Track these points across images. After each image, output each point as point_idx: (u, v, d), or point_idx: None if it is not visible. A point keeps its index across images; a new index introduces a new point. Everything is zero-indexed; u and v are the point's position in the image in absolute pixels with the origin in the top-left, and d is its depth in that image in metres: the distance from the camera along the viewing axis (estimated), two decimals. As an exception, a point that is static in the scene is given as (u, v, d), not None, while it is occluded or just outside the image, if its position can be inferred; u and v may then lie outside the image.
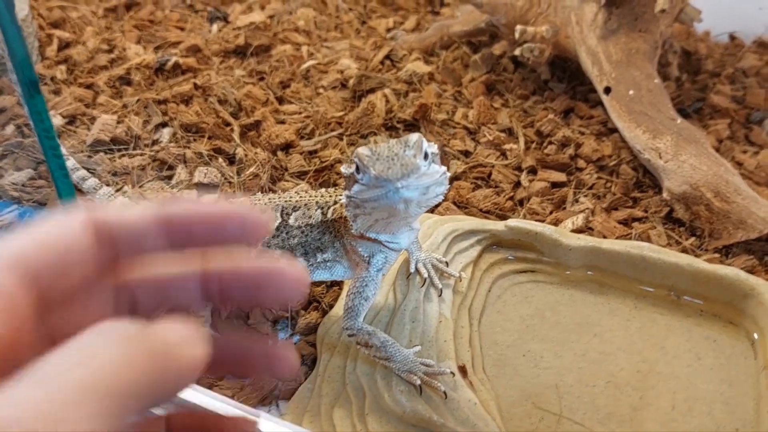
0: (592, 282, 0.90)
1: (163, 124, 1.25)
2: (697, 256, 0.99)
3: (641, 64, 1.17)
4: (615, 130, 1.25)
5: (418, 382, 0.71)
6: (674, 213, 1.05)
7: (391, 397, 0.73)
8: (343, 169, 0.68)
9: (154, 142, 1.21)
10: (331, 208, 0.75)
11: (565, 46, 1.28)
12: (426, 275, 0.84)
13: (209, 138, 1.22)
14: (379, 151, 0.62)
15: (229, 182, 1.14)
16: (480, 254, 0.91)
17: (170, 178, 1.14)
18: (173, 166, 1.16)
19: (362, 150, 0.62)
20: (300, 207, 0.77)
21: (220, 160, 1.18)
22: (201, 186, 1.12)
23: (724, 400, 0.76)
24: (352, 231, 0.73)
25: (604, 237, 1.02)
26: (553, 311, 0.87)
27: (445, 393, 0.71)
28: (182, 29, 1.53)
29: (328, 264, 0.78)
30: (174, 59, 1.38)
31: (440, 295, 0.82)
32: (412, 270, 0.85)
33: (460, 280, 0.85)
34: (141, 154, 1.18)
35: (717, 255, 0.97)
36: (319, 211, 0.76)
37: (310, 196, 0.78)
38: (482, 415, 0.71)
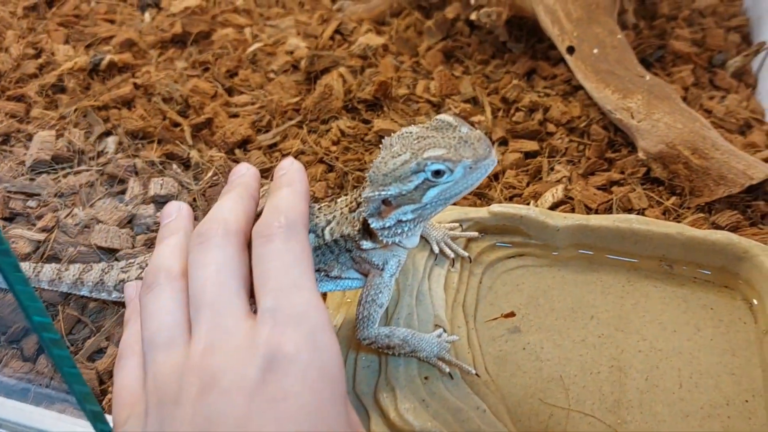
0: (582, 260, 0.88)
1: (107, 133, 1.16)
2: (679, 215, 0.97)
3: (603, 19, 1.13)
4: (580, 87, 1.21)
5: (447, 369, 0.72)
6: (652, 173, 1.03)
7: (398, 414, 0.69)
8: (389, 191, 0.63)
9: (100, 155, 1.13)
10: (327, 229, 0.70)
11: (522, 6, 1.23)
12: (450, 253, 0.84)
13: (159, 143, 1.14)
14: (444, 143, 0.62)
15: (188, 190, 1.07)
16: (466, 244, 0.87)
17: (123, 192, 1.07)
18: (124, 179, 1.08)
19: (432, 152, 0.61)
20: (329, 219, 0.71)
21: (174, 166, 1.11)
22: (158, 199, 1.05)
23: (730, 371, 0.75)
24: (365, 245, 0.68)
25: (586, 206, 1.00)
26: (546, 297, 0.84)
27: (477, 374, 0.73)
28: (112, 22, 1.41)
29: (332, 278, 0.73)
30: (108, 57, 1.28)
31: (470, 262, 0.85)
32: (437, 251, 0.84)
33: (480, 237, 0.88)
34: (87, 170, 1.10)
35: (701, 214, 0.95)
36: (311, 235, 0.71)
37: (335, 206, 0.72)
38: (493, 422, 0.68)
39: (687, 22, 1.36)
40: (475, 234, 0.86)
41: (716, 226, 0.94)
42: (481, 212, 0.88)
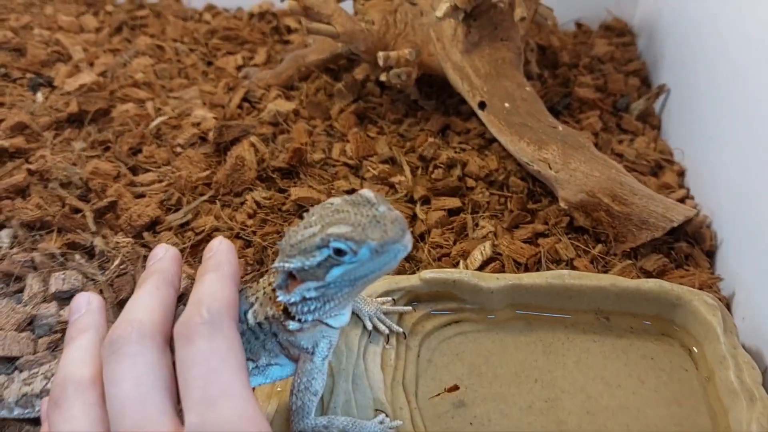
0: (520, 320, 0.85)
1: (0, 227, 1.06)
2: (607, 263, 0.97)
3: (510, 73, 1.14)
4: (494, 140, 1.21)
5: None
6: (575, 222, 1.03)
7: None
8: (292, 263, 0.59)
9: (-8, 250, 1.02)
10: (250, 312, 0.64)
11: (430, 64, 1.23)
12: (384, 329, 0.80)
13: (59, 232, 1.05)
14: (353, 220, 0.56)
15: (93, 281, 0.99)
16: (400, 316, 0.83)
17: (21, 291, 0.97)
18: (21, 276, 0.98)
19: (336, 229, 0.56)
20: (252, 302, 0.64)
21: (77, 257, 1.02)
22: (60, 295, 0.95)
23: (678, 422, 0.74)
24: (291, 326, 0.62)
25: (515, 261, 0.98)
26: (488, 364, 0.81)
27: None
28: (1, 104, 1.31)
29: (261, 369, 0.67)
30: (-3, 143, 1.18)
31: (405, 338, 0.81)
32: (369, 327, 0.79)
33: (414, 311, 0.84)
34: (-23, 269, 0.99)
35: (629, 261, 0.95)
36: None
37: (259, 286, 0.66)
38: None
39: (588, 69, 1.41)
40: (408, 309, 0.83)
41: (644, 272, 0.94)
42: (412, 280, 0.85)
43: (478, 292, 0.83)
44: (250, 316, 0.64)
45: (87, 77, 1.35)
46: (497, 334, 0.84)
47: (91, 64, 1.43)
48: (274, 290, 0.63)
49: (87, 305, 0.59)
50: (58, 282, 0.96)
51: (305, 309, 0.61)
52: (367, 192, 0.60)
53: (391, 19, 1.22)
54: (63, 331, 0.94)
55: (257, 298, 0.64)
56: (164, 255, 0.60)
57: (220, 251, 0.59)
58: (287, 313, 0.63)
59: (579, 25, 1.57)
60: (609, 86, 1.34)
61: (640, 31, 1.50)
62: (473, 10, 1.13)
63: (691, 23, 1.23)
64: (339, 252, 0.56)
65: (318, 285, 0.59)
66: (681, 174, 1.14)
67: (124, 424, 0.48)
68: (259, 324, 0.64)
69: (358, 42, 1.19)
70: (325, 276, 0.58)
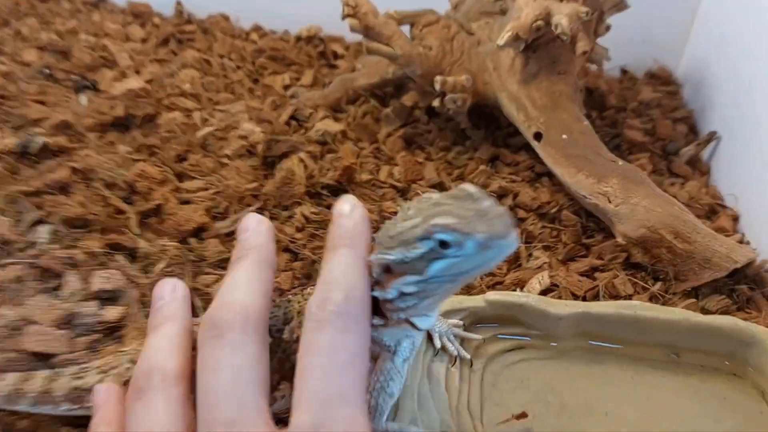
0: (585, 351, 0.82)
1: (40, 221, 1.03)
2: (666, 301, 0.94)
3: (567, 106, 1.14)
4: (544, 174, 1.20)
5: None
6: (632, 258, 1.01)
7: None
8: (391, 255, 0.55)
9: (31, 245, 0.99)
10: None
11: (484, 93, 1.22)
12: (453, 350, 0.76)
13: (102, 232, 1.02)
14: (458, 213, 0.53)
15: (136, 284, 0.95)
16: (462, 340, 0.80)
17: (59, 288, 0.93)
18: (60, 273, 0.95)
19: (441, 220, 0.52)
20: (292, 315, 0.61)
21: (120, 257, 0.98)
22: (102, 294, 0.92)
23: (758, 467, 0.70)
24: (374, 320, 0.58)
25: (572, 293, 0.96)
26: (555, 393, 0.77)
27: None
28: (43, 103, 1.30)
29: None
30: (41, 140, 1.16)
31: (471, 366, 0.77)
32: (438, 346, 0.76)
33: (483, 342, 0.80)
34: (15, 263, 0.95)
35: (692, 299, 0.93)
36: None
37: (301, 300, 0.63)
38: None
39: (635, 113, 1.40)
40: (478, 338, 0.79)
41: (707, 312, 0.91)
42: (476, 301, 0.82)
43: (546, 318, 0.80)
44: None
45: (135, 83, 1.34)
46: (562, 363, 0.81)
47: (138, 72, 1.42)
48: None
49: (172, 293, 0.55)
50: (101, 281, 0.93)
51: (401, 305, 0.58)
52: (468, 186, 0.58)
53: (448, 46, 1.22)
54: (102, 331, 0.90)
55: None
56: (257, 227, 0.56)
57: (355, 219, 0.54)
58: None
59: (624, 72, 1.57)
60: (658, 131, 1.34)
61: (685, 80, 1.50)
62: (533, 42, 1.13)
63: (740, 74, 1.24)
64: (443, 244, 0.53)
65: (418, 279, 0.56)
66: (735, 219, 1.12)
67: (217, 418, 0.44)
68: None
69: (415, 66, 1.18)
70: (425, 270, 0.55)
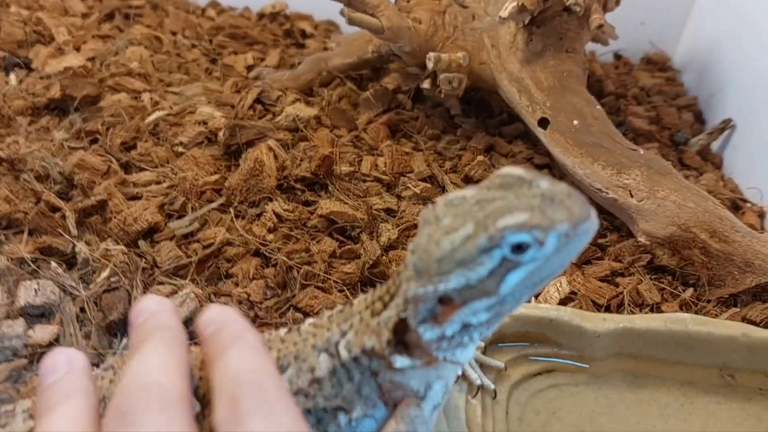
0: (624, 373, 0.68)
1: (-46, 221, 0.84)
2: (700, 309, 0.82)
3: (577, 88, 1.00)
4: (544, 165, 1.07)
5: None
6: (656, 260, 0.88)
7: None
8: (449, 283, 0.42)
9: (-59, 250, 0.81)
10: (342, 343, 0.46)
11: (480, 74, 1.08)
12: (475, 378, 0.62)
13: (31, 234, 0.84)
14: (521, 205, 0.41)
15: (73, 296, 0.78)
16: (480, 364, 0.65)
17: (-25, 303, 0.75)
18: (-23, 284, 0.77)
19: (508, 220, 0.40)
20: (288, 363, 0.46)
21: (54, 264, 0.81)
22: (30, 310, 0.74)
23: None
24: (399, 363, 0.45)
25: (593, 302, 0.82)
26: (594, 426, 0.63)
27: None
28: (-36, 84, 1.10)
29: (354, 424, 0.48)
30: (-43, 124, 0.97)
31: (494, 398, 0.63)
32: (459, 373, 0.62)
33: (505, 370, 0.66)
34: None
35: (735, 309, 0.80)
36: (323, 355, 0.46)
37: (298, 340, 0.47)
38: None
39: (636, 100, 1.29)
40: (500, 365, 0.65)
41: (750, 323, 0.79)
42: (496, 316, 0.67)
43: (581, 335, 0.67)
44: (342, 348, 0.45)
45: (74, 60, 1.15)
46: (600, 389, 0.67)
47: (78, 49, 1.24)
48: (374, 315, 0.45)
49: (68, 364, 0.41)
50: (29, 293, 0.75)
51: (461, 340, 0.44)
52: (513, 169, 0.44)
53: (439, 20, 1.08)
54: (30, 356, 0.73)
55: (351, 325, 0.46)
56: (160, 307, 0.43)
57: (217, 314, 0.43)
58: (395, 347, 0.45)
59: (617, 56, 1.46)
60: (663, 119, 1.22)
61: (684, 65, 1.39)
62: (537, 16, 1.00)
63: (748, 59, 1.14)
64: (518, 248, 0.40)
65: (489, 303, 0.43)
66: (761, 215, 1.00)
67: None
68: (355, 359, 0.45)
69: (404, 41, 1.03)
70: (498, 288, 0.42)
